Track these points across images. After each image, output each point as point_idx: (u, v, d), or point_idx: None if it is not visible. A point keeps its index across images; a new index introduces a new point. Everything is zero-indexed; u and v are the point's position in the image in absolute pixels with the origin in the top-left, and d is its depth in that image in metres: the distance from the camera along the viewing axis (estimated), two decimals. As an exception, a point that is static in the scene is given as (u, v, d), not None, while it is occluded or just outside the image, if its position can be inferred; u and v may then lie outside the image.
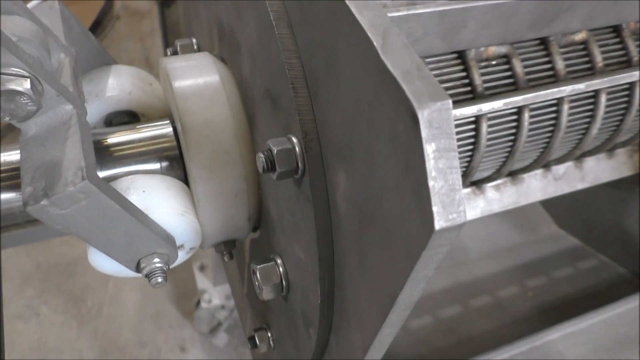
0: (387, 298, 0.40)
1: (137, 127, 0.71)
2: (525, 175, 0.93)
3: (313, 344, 0.58)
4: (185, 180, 0.70)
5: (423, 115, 0.31)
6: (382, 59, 0.33)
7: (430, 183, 0.31)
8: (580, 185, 1.01)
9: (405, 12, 0.63)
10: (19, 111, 0.50)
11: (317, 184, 0.47)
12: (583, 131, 0.85)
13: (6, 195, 0.63)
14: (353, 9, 0.36)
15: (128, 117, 0.77)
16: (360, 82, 0.37)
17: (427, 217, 0.32)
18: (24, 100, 0.50)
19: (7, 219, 0.64)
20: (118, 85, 0.74)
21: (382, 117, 0.35)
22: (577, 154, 0.89)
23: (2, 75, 0.48)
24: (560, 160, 0.93)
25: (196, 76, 0.67)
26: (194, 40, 0.87)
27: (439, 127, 0.31)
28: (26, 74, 0.50)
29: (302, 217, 0.51)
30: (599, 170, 1.02)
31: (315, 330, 0.57)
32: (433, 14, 0.65)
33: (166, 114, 0.77)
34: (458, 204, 0.32)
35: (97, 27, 3.69)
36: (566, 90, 0.72)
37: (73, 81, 0.58)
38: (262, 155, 0.47)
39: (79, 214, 0.53)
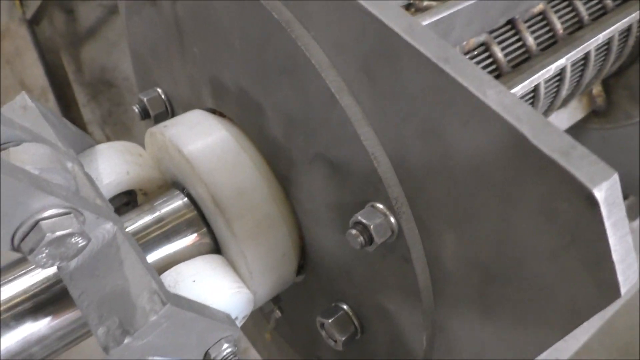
0: (533, 347, 0.42)
1: (154, 205, 0.65)
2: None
3: (412, 384, 0.59)
4: (216, 247, 0.66)
5: (602, 197, 0.31)
6: (533, 144, 0.33)
7: (615, 256, 0.32)
8: (547, 139, 1.08)
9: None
10: (70, 252, 0.44)
11: (415, 245, 0.47)
12: (554, 94, 0.90)
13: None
14: (472, 89, 0.35)
15: (126, 197, 0.70)
16: (491, 158, 0.36)
17: (611, 285, 0.33)
18: (74, 239, 0.44)
19: None
20: (112, 168, 0.66)
21: (529, 193, 0.35)
22: (547, 116, 0.95)
23: (42, 223, 0.42)
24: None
25: (209, 143, 0.62)
26: (160, 90, 0.80)
27: (614, 201, 0.32)
28: (66, 209, 0.43)
29: (392, 274, 0.51)
30: (558, 120, 1.09)
31: (415, 371, 0.57)
32: (428, 26, 0.64)
33: (165, 182, 0.71)
34: (634, 264, 0.33)
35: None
36: (552, 68, 0.75)
37: (95, 191, 0.52)
38: (355, 231, 0.46)
39: (158, 337, 0.48)
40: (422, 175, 0.43)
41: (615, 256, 0.32)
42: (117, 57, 3.31)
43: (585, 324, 1.18)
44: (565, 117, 1.11)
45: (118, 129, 3.29)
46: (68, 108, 3.12)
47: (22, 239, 0.42)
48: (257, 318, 1.01)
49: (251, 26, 0.51)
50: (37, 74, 3.35)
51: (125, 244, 0.49)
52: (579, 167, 0.31)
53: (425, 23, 0.64)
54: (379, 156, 0.45)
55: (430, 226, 0.45)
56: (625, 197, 1.22)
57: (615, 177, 0.32)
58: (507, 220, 0.38)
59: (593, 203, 0.31)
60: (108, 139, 3.13)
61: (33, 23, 2.84)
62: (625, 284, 0.33)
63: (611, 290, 0.33)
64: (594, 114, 1.18)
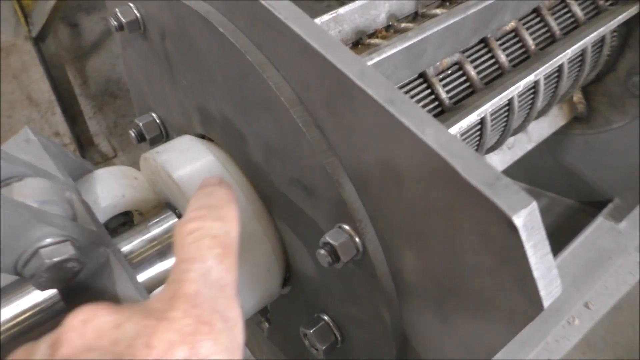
0: (484, 352, 0.46)
1: (147, 225, 0.70)
2: (486, 156, 1.02)
3: (388, 387, 0.63)
4: (205, 264, 0.71)
5: (520, 223, 0.36)
6: (463, 177, 0.37)
7: (535, 273, 0.37)
8: (529, 147, 1.13)
9: (377, 58, 0.67)
10: (67, 275, 0.49)
11: (379, 261, 0.52)
12: (530, 106, 0.94)
13: None
14: (413, 128, 0.40)
15: (123, 217, 0.75)
16: (433, 188, 0.41)
17: (535, 299, 0.38)
18: (71, 264, 0.49)
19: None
20: (108, 192, 0.72)
21: (466, 218, 0.39)
22: (525, 126, 0.99)
23: (42, 250, 0.47)
24: (512, 135, 1.03)
25: (196, 166, 0.67)
26: (155, 115, 0.85)
27: (532, 226, 0.36)
28: (63, 237, 0.49)
29: (362, 288, 0.56)
30: (540, 129, 1.13)
31: (389, 376, 0.62)
32: (400, 52, 0.69)
33: (159, 203, 0.77)
34: (555, 280, 0.38)
35: (-40, 79, 3.37)
36: (521, 85, 0.80)
37: (90, 218, 0.57)
38: (323, 251, 0.51)
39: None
40: (381, 199, 0.48)
41: (536, 274, 0.37)
42: (121, 69, 3.37)
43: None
44: (546, 125, 1.15)
45: (124, 140, 3.36)
46: (75, 121, 3.19)
47: (24, 265, 0.47)
48: (254, 328, 1.06)
49: (229, 64, 0.56)
50: (43, 88, 3.42)
51: (117, 266, 0.54)
52: (502, 197, 0.36)
53: (397, 49, 0.69)
54: (343, 183, 0.50)
55: (391, 244, 0.50)
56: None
57: (534, 205, 0.36)
58: (453, 241, 0.42)
59: (513, 228, 0.36)
60: (114, 150, 3.20)
61: (39, 40, 2.91)
62: (547, 298, 0.37)
63: (536, 303, 0.38)
64: (576, 120, 1.22)
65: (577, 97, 1.19)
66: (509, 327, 0.42)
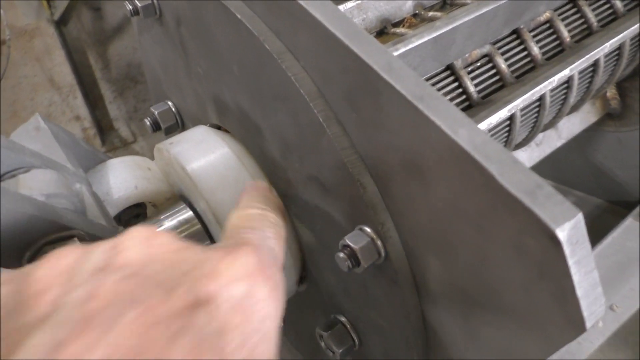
0: (513, 370, 0.43)
1: (160, 219, 0.68)
2: (514, 152, 0.98)
3: (406, 395, 0.60)
4: (219, 260, 0.68)
5: (564, 236, 0.32)
6: (501, 183, 0.34)
7: (579, 292, 0.33)
8: (559, 143, 1.08)
9: (403, 49, 0.63)
10: (73, 272, 0.47)
11: (402, 267, 0.48)
12: (562, 102, 0.89)
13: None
14: (444, 128, 0.36)
15: (136, 209, 0.73)
16: (465, 194, 0.37)
17: (577, 319, 0.34)
18: (77, 261, 0.46)
19: None
20: (121, 183, 0.69)
21: (501, 228, 0.36)
22: (556, 122, 0.95)
23: (47, 247, 0.45)
24: (542, 130, 0.98)
25: (211, 159, 0.65)
26: (170, 104, 0.83)
27: (577, 240, 0.33)
28: (70, 233, 0.46)
29: (383, 294, 0.52)
30: (570, 125, 1.08)
31: (408, 384, 0.59)
32: (428, 42, 0.65)
33: (173, 195, 0.74)
34: (600, 299, 0.34)
35: (-16, 61, 3.39)
36: (555, 80, 0.75)
37: (100, 210, 0.55)
38: (342, 254, 0.47)
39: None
40: (405, 202, 0.44)
41: (579, 292, 0.33)
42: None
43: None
44: (577, 121, 1.10)
45: (143, 125, 3.36)
46: (95, 105, 3.20)
47: (30, 262, 0.45)
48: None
49: (247, 54, 0.53)
50: (65, 71, 3.43)
51: (127, 263, 0.51)
52: (544, 207, 0.33)
53: (424, 40, 0.65)
54: (365, 183, 0.46)
55: (415, 251, 0.47)
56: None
57: (580, 216, 0.33)
58: (483, 251, 0.39)
59: (556, 242, 0.32)
60: (134, 135, 3.20)
61: (61, 24, 2.92)
62: (590, 319, 0.34)
63: (578, 324, 0.34)
64: (609, 117, 1.17)
65: (611, 92, 1.13)
66: (542, 348, 0.38)
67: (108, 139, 3.18)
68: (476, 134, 0.36)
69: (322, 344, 0.65)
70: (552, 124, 0.96)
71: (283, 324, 0.80)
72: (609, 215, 1.28)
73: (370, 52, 0.40)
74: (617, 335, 2.01)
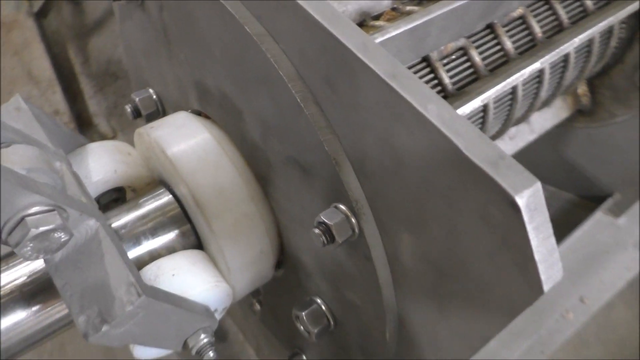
0: (479, 338, 0.45)
1: (138, 202, 0.69)
2: (488, 145, 1.00)
3: (379, 372, 0.62)
4: (198, 243, 0.69)
5: (523, 203, 0.34)
6: (466, 155, 0.36)
7: (537, 257, 0.35)
8: (531, 137, 1.11)
9: (380, 39, 0.65)
10: (53, 246, 0.48)
11: (376, 244, 0.50)
12: (534, 95, 0.93)
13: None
14: (415, 104, 0.38)
15: (115, 193, 0.74)
16: (434, 167, 0.39)
17: (536, 283, 0.36)
18: (57, 234, 0.47)
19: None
20: (101, 166, 0.70)
21: (467, 199, 0.38)
22: (528, 115, 0.98)
23: (28, 219, 0.45)
24: (514, 125, 1.01)
25: (191, 144, 0.66)
26: (151, 91, 0.83)
27: (535, 207, 0.35)
28: (50, 207, 0.47)
29: (357, 271, 0.54)
30: (542, 120, 1.12)
31: (382, 361, 0.61)
32: (404, 33, 0.67)
33: (153, 180, 0.75)
34: (557, 264, 0.37)
35: (-40, 53, 3.32)
36: (526, 72, 0.78)
37: (80, 189, 0.55)
38: (318, 230, 0.49)
39: (136, 326, 0.52)
40: (379, 180, 0.46)
41: (537, 256, 0.35)
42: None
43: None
44: (549, 116, 1.13)
45: (123, 120, 3.33)
46: (74, 100, 3.16)
47: (9, 234, 0.46)
48: (247, 311, 1.05)
49: (228, 37, 0.54)
50: (44, 65, 3.38)
51: (106, 239, 0.52)
52: (505, 176, 0.35)
53: (400, 30, 0.67)
54: (340, 161, 0.48)
55: (388, 227, 0.48)
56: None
57: (538, 185, 0.35)
58: (452, 223, 0.41)
59: (516, 209, 0.34)
60: (114, 131, 3.18)
61: (40, 16, 2.88)
62: (547, 282, 0.36)
63: (536, 287, 0.36)
64: (579, 113, 1.21)
65: (582, 89, 1.17)
66: (505, 313, 0.40)
67: (87, 134, 3.14)
68: (445, 110, 0.38)
69: (299, 325, 0.66)
70: (524, 117, 1.00)
71: (262, 310, 0.81)
72: (580, 210, 1.32)
73: (346, 33, 0.42)
74: (588, 331, 2.06)
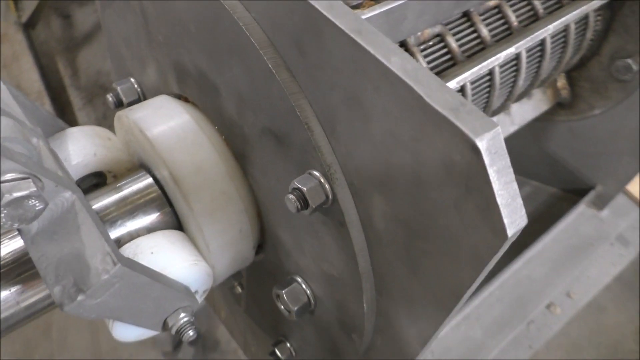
0: (451, 296, 0.45)
1: (118, 185, 0.69)
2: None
3: (359, 347, 0.62)
4: (178, 225, 0.70)
5: (483, 146, 0.35)
6: (428, 102, 0.37)
7: (499, 200, 0.36)
8: (512, 129, 1.13)
9: (356, 19, 0.66)
10: (28, 214, 0.48)
11: (349, 209, 0.51)
12: (512, 83, 0.94)
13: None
14: (379, 57, 0.39)
15: (95, 178, 0.74)
16: (399, 119, 0.40)
17: (499, 228, 0.37)
18: (32, 202, 0.48)
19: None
20: (80, 149, 0.70)
21: (431, 148, 0.39)
22: (508, 105, 0.99)
23: (2, 185, 0.46)
24: (494, 114, 1.02)
25: (170, 123, 0.66)
26: (133, 80, 0.84)
27: (496, 151, 0.36)
28: (25, 175, 0.47)
29: (333, 240, 0.55)
30: (523, 111, 1.13)
31: (361, 334, 0.61)
32: (379, 15, 0.69)
33: (133, 165, 0.75)
34: (520, 210, 0.37)
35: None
36: (501, 56, 0.80)
37: (57, 164, 0.56)
38: (292, 196, 0.50)
39: (113, 298, 0.52)
40: (349, 141, 0.47)
41: (500, 200, 0.36)
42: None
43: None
44: (530, 108, 1.15)
45: (113, 132, 3.33)
46: (63, 111, 3.16)
47: (-16, 199, 0.46)
48: (233, 307, 1.05)
49: (202, 10, 0.55)
50: (33, 78, 3.39)
51: (82, 211, 0.53)
52: (465, 121, 0.36)
53: (376, 12, 0.69)
54: (312, 126, 0.49)
55: (360, 189, 0.49)
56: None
57: (498, 129, 0.35)
58: (418, 176, 0.42)
59: (477, 152, 0.35)
60: (102, 142, 3.16)
61: (29, 27, 2.89)
62: (511, 227, 0.37)
63: (500, 232, 0.37)
64: (560, 107, 1.23)
65: (561, 82, 1.19)
66: (474, 264, 0.41)
67: (76, 145, 3.13)
68: (407, 62, 0.39)
69: (280, 305, 0.67)
70: (504, 106, 1.01)
71: (246, 301, 0.81)
72: (564, 203, 1.33)
73: (313, -7, 0.43)
74: (580, 335, 2.07)
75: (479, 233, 0.39)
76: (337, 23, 0.41)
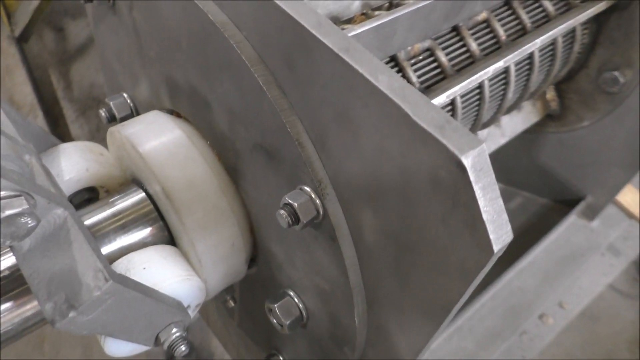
0: (441, 309, 0.46)
1: (110, 200, 0.69)
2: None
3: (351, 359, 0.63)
4: (171, 240, 0.70)
5: (468, 163, 0.36)
6: (414, 120, 0.37)
7: (485, 216, 0.37)
8: (502, 141, 1.14)
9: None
10: (20, 232, 0.48)
11: (340, 224, 0.51)
12: (502, 96, 0.95)
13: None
14: (367, 75, 0.40)
15: (88, 193, 0.74)
16: (388, 135, 0.41)
17: (485, 243, 0.38)
18: (24, 219, 0.48)
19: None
20: (72, 165, 0.71)
21: (418, 164, 0.39)
22: (498, 117, 1.00)
23: (-6, 202, 0.46)
24: (484, 126, 1.04)
25: (162, 139, 0.67)
26: (125, 95, 0.85)
27: (481, 168, 0.36)
28: (17, 192, 0.48)
29: (324, 254, 0.55)
30: (513, 124, 1.15)
31: (353, 347, 0.61)
32: (369, 31, 0.70)
33: (125, 180, 0.76)
34: (505, 225, 0.38)
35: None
36: (490, 70, 0.81)
37: (49, 180, 0.56)
38: (283, 211, 0.50)
39: (104, 314, 0.52)
40: (339, 157, 0.48)
41: (485, 216, 0.37)
42: (104, 74, 3.34)
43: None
44: (520, 121, 1.16)
45: (105, 144, 3.32)
46: (56, 124, 3.16)
47: (-25, 216, 0.46)
48: (227, 320, 1.04)
49: (193, 27, 0.56)
50: (26, 91, 3.39)
51: (74, 227, 0.53)
52: (451, 139, 0.36)
53: (366, 28, 0.70)
54: (303, 142, 0.50)
55: (351, 205, 0.50)
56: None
57: (483, 147, 0.36)
58: (406, 192, 0.42)
59: (462, 169, 0.36)
60: (95, 154, 3.16)
61: (22, 40, 2.90)
62: (497, 243, 0.37)
63: (486, 247, 0.38)
64: (549, 118, 1.24)
65: (550, 94, 1.21)
66: (462, 278, 0.42)
67: (69, 157, 3.12)
68: (394, 80, 0.39)
69: (272, 318, 0.67)
70: (495, 119, 1.02)
71: (240, 315, 0.81)
72: (555, 214, 1.35)
73: (301, 12, 0.44)
74: (574, 345, 2.07)
75: (466, 248, 0.40)
76: (326, 42, 0.42)
